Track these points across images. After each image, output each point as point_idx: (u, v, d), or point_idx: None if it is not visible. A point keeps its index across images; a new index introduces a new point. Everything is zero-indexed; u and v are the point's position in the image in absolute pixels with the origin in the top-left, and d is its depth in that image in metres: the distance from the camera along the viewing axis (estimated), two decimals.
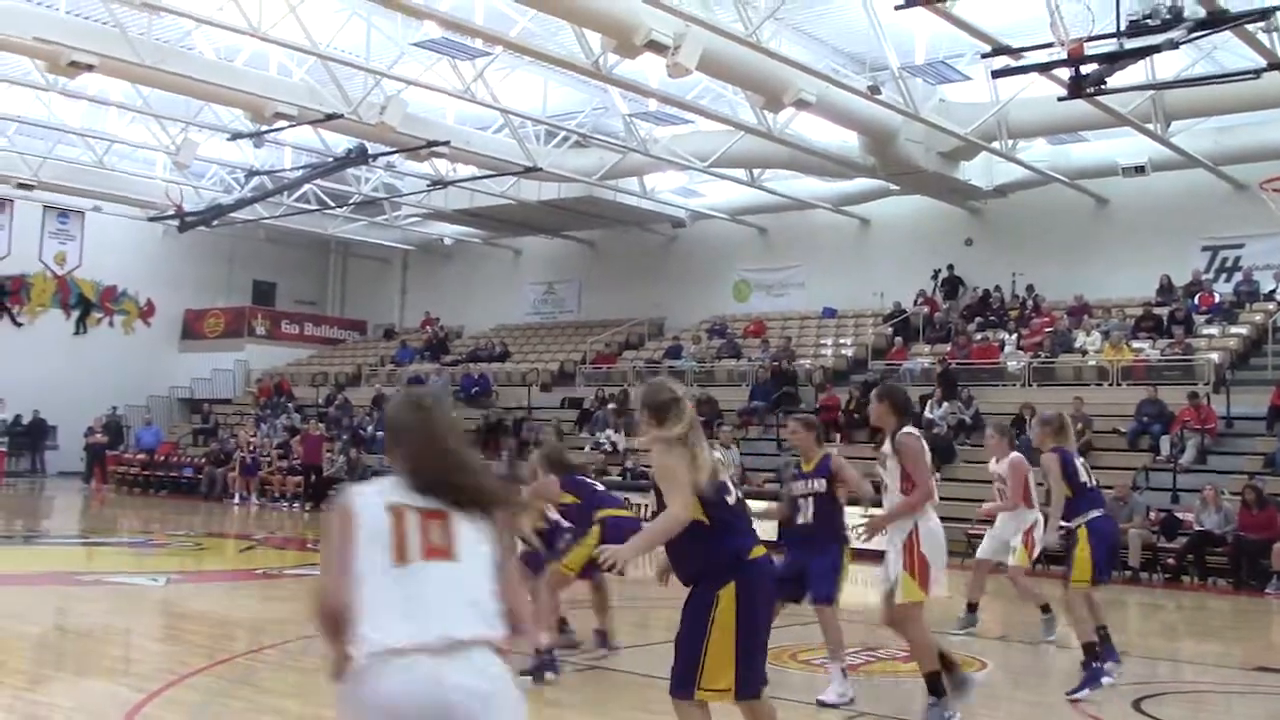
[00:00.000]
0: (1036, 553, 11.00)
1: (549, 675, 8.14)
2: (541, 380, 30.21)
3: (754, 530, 5.25)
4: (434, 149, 23.22)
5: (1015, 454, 11.19)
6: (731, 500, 5.17)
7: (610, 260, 33.29)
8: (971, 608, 11.06)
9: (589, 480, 9.47)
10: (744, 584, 4.96)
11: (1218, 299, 23.57)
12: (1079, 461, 8.94)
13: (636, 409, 5.40)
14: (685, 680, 4.97)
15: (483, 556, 3.30)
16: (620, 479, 23.28)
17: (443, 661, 3.09)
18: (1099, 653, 8.47)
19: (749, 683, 5.02)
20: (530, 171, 25.26)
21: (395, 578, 3.17)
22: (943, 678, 6.98)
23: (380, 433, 28.66)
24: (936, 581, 7.04)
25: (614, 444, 25.11)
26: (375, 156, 24.83)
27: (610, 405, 26.63)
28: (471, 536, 3.31)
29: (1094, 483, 8.99)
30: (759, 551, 5.12)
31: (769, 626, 5.19)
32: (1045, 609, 10.63)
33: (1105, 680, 8.36)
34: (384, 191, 30.31)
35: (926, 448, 7.22)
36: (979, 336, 25.05)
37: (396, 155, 24.67)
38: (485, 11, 18.54)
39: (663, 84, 19.87)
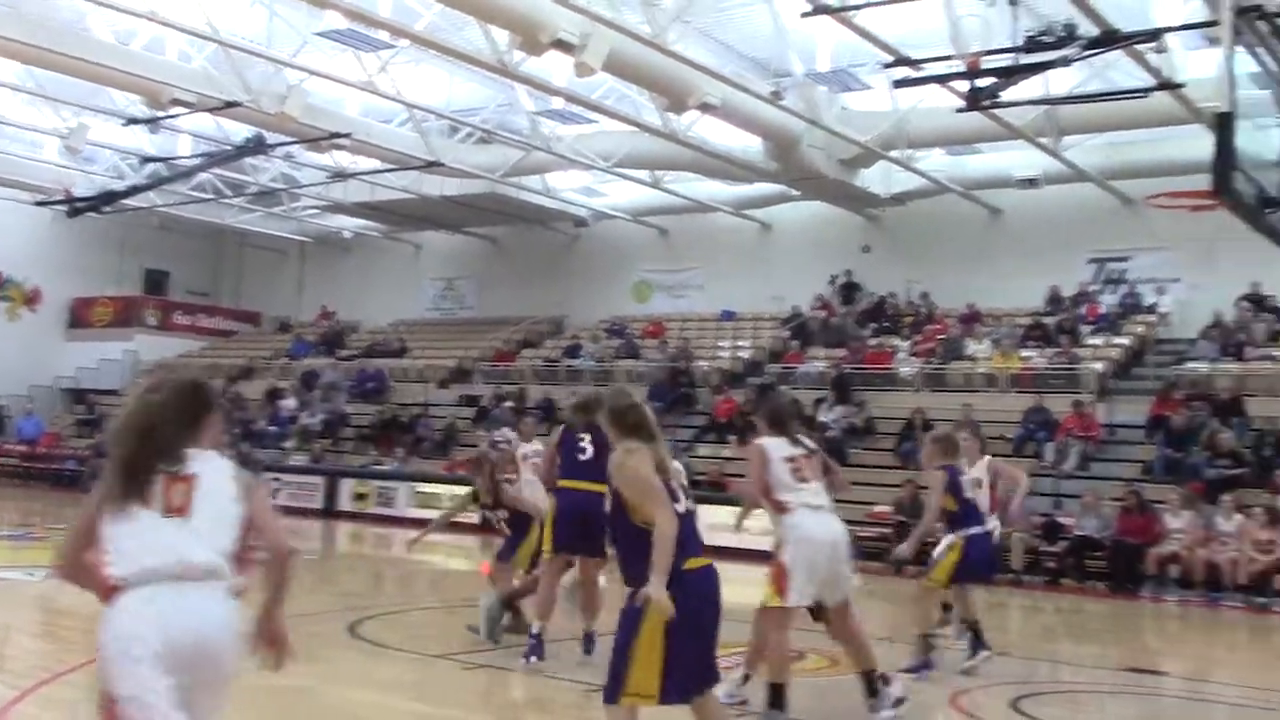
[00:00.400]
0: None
1: (533, 659, 8.44)
2: (439, 377, 29.99)
3: (696, 541, 5.23)
4: (335, 140, 22.94)
5: (991, 457, 11.46)
6: (679, 509, 5.16)
7: (511, 258, 33.16)
8: (946, 608, 11.19)
9: None
10: (675, 594, 4.95)
11: (1103, 310, 24.23)
12: (965, 478, 9.28)
13: (602, 419, 5.56)
14: (612, 685, 5.05)
15: (219, 512, 3.77)
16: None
17: (179, 594, 3.56)
18: (933, 647, 9.10)
19: (677, 690, 5.06)
20: (432, 166, 25.06)
21: (146, 527, 3.66)
22: (782, 692, 6.99)
23: (272, 426, 28.25)
24: (795, 590, 6.92)
25: (510, 442, 24.95)
26: (274, 146, 24.44)
27: (508, 403, 26.52)
28: (210, 495, 3.78)
29: (983, 498, 9.42)
30: (697, 562, 5.13)
31: (710, 634, 5.19)
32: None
33: (927, 673, 8.86)
34: (283, 182, 29.80)
35: (771, 457, 7.12)
36: (873, 342, 25.43)
37: (296, 146, 24.32)
38: (391, 4, 18.37)
39: (568, 83, 19.86)
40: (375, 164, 26.28)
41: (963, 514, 9.25)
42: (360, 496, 23.97)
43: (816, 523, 7.05)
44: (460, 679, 8.23)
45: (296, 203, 32.05)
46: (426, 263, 35.12)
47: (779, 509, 7.09)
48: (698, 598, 5.07)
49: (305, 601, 12.30)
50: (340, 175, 26.95)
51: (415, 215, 30.76)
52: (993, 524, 10.60)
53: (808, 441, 7.33)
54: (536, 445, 11.81)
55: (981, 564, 9.77)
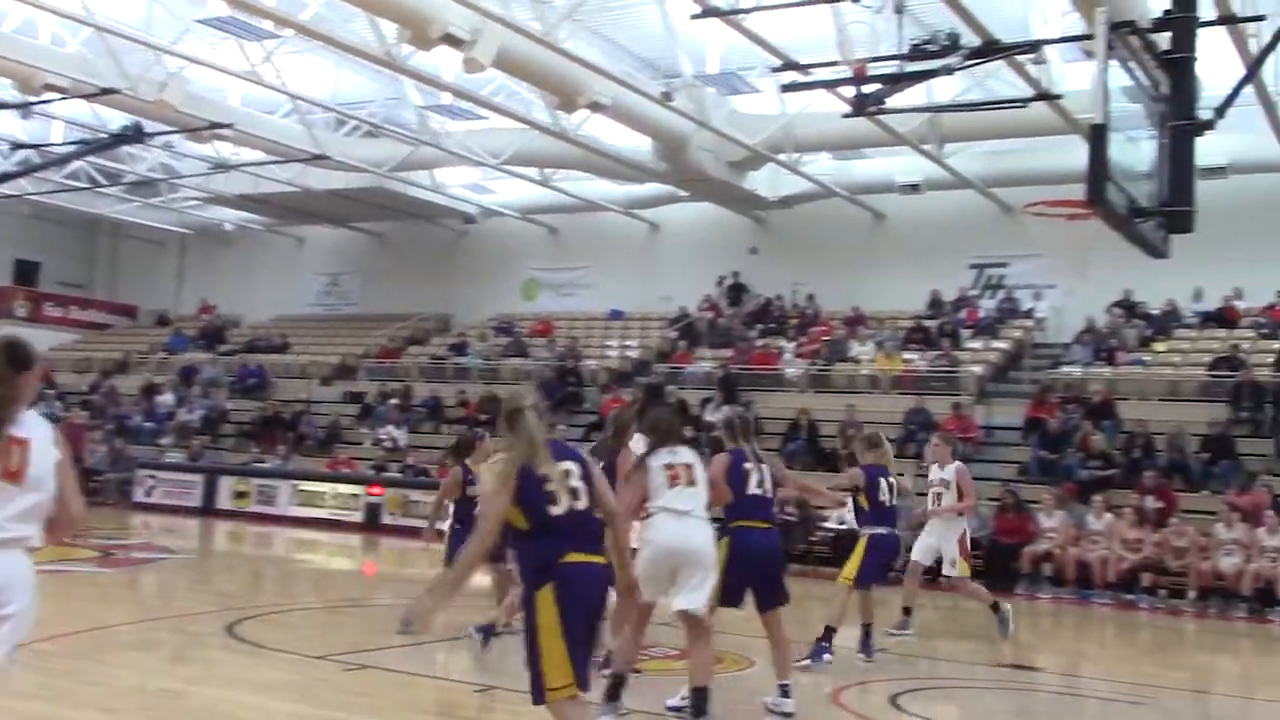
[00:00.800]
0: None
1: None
2: (322, 374, 29.54)
3: (582, 537, 5.29)
4: (216, 131, 22.41)
5: (960, 461, 11.93)
6: (557, 510, 5.23)
7: (398, 253, 32.79)
8: (906, 611, 11.49)
9: None
10: (557, 587, 5.10)
11: (982, 314, 24.80)
12: (885, 481, 9.68)
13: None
14: (535, 687, 5.12)
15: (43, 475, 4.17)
16: (400, 475, 23.00)
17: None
18: (831, 639, 9.58)
19: (583, 678, 5.15)
20: (318, 159, 24.63)
21: None
22: (621, 688, 7.16)
23: (149, 423, 27.54)
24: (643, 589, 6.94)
25: (395, 440, 24.73)
26: (153, 135, 23.76)
27: (393, 401, 26.23)
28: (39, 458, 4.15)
29: (892, 501, 9.80)
30: (577, 556, 5.20)
31: (590, 629, 5.31)
32: (995, 607, 11.36)
33: (826, 658, 9.44)
34: (161, 172, 29.04)
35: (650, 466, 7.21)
36: (760, 343, 25.68)
37: (176, 135, 23.70)
38: None
39: (458, 78, 19.70)
40: (259, 156, 25.79)
41: (875, 515, 9.71)
42: (240, 495, 23.48)
43: (670, 527, 7.10)
44: (342, 680, 8.11)
45: (176, 193, 31.26)
46: (310, 257, 34.55)
47: (645, 514, 7.26)
48: (577, 593, 5.18)
49: (182, 601, 12.05)
50: (222, 166, 26.35)
51: (300, 209, 30.23)
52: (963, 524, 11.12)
53: (685, 453, 7.30)
54: None
55: (882, 567, 10.19)
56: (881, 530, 9.92)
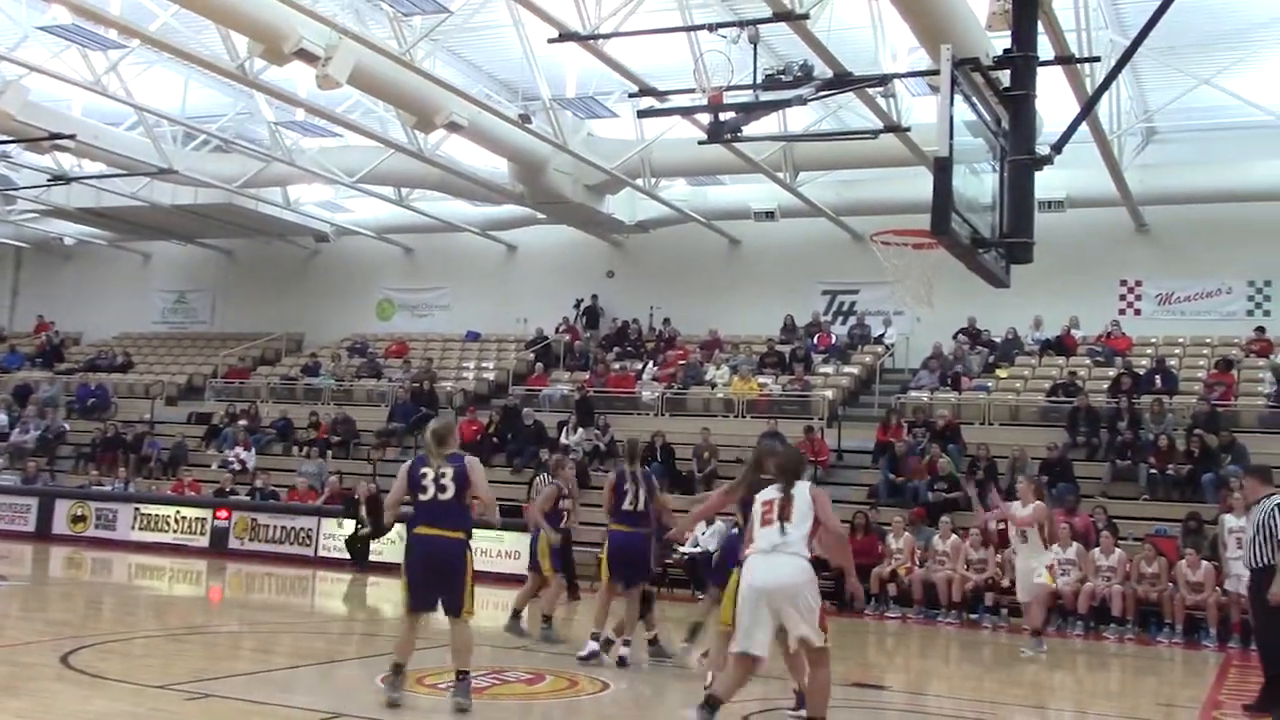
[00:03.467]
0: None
1: None
2: (166, 393, 28.68)
3: (428, 516, 8.07)
4: (57, 142, 21.64)
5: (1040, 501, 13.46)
6: (424, 496, 8.10)
7: (248, 271, 32.07)
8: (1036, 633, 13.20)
9: None
10: (406, 548, 8.19)
11: (834, 340, 25.33)
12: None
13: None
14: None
15: None
16: (248, 498, 22.45)
17: None
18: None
19: (415, 604, 8.18)
20: (164, 173, 23.99)
21: None
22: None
23: None
24: None
25: (243, 462, 24.12)
26: None
27: (241, 422, 25.60)
28: None
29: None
30: (422, 530, 8.11)
31: (416, 579, 8.13)
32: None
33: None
34: None
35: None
36: (617, 366, 25.79)
37: (14, 145, 22.83)
38: (121, 1, 17.48)
39: (312, 94, 19.40)
40: (102, 168, 24.95)
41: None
42: (78, 519, 22.62)
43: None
44: (184, 709, 7.86)
45: (12, 205, 30.03)
46: (156, 274, 33.55)
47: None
48: (411, 552, 8.17)
49: (14, 631, 11.54)
50: (62, 179, 25.41)
51: (145, 224, 29.34)
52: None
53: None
54: None
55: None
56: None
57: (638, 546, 10.69)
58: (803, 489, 7.41)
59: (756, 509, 7.45)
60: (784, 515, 7.26)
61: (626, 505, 10.60)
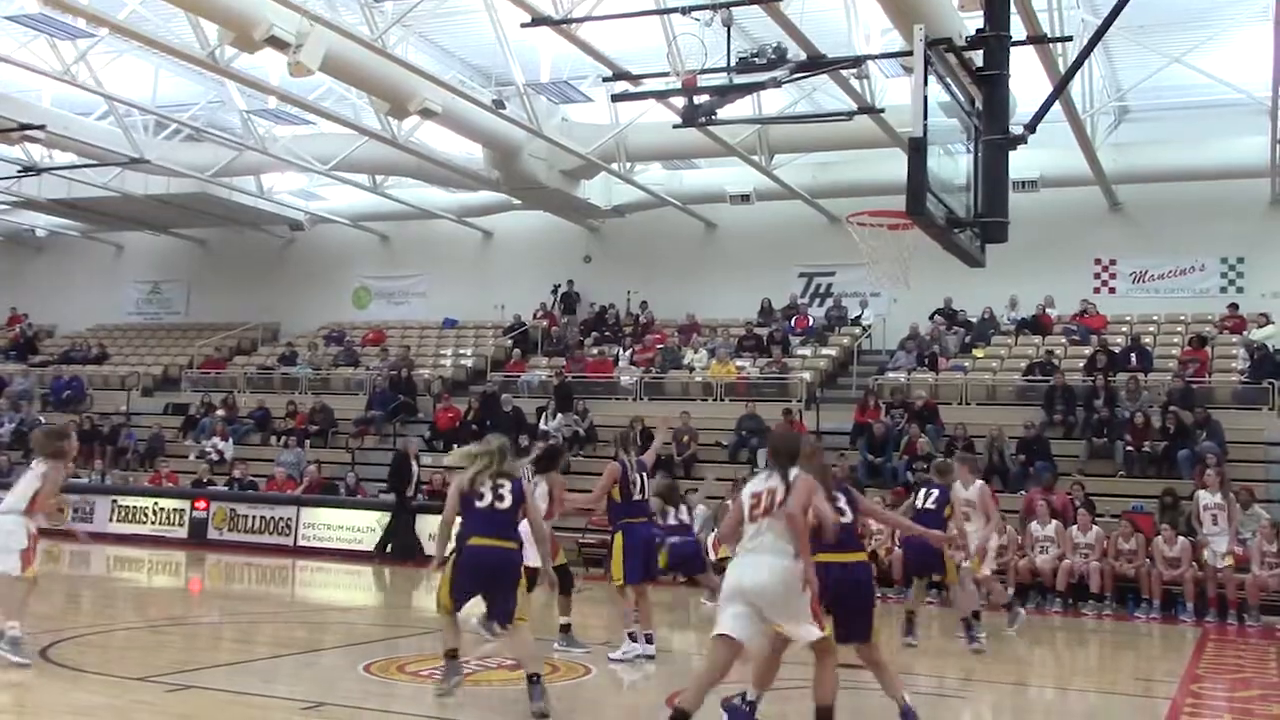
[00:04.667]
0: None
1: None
2: (143, 385, 28.53)
3: (483, 527, 7.72)
4: (27, 132, 21.44)
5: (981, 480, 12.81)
6: (480, 505, 7.78)
7: (222, 260, 31.89)
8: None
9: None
10: (458, 556, 7.78)
11: (811, 322, 25.38)
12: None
13: None
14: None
15: None
16: (228, 489, 22.38)
17: None
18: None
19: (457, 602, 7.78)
20: (136, 163, 23.81)
21: None
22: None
23: None
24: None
25: (220, 453, 24.03)
26: None
27: (219, 412, 25.49)
28: None
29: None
30: (476, 541, 7.70)
31: (465, 589, 7.75)
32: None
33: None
34: None
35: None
36: (595, 351, 25.77)
37: None
38: None
39: (284, 82, 19.28)
40: (72, 159, 24.75)
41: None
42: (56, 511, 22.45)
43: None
44: (165, 701, 7.84)
45: None
46: (130, 265, 33.35)
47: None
48: (464, 563, 7.71)
49: None
50: (32, 169, 25.19)
51: (117, 214, 29.14)
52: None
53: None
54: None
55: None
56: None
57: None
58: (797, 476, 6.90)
59: (745, 500, 6.90)
60: (769, 510, 6.76)
61: (637, 496, 10.23)
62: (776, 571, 6.67)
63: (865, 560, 7.64)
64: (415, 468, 20.21)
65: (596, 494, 10.53)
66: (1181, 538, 15.99)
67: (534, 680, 7.43)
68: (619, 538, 10.20)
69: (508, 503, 7.83)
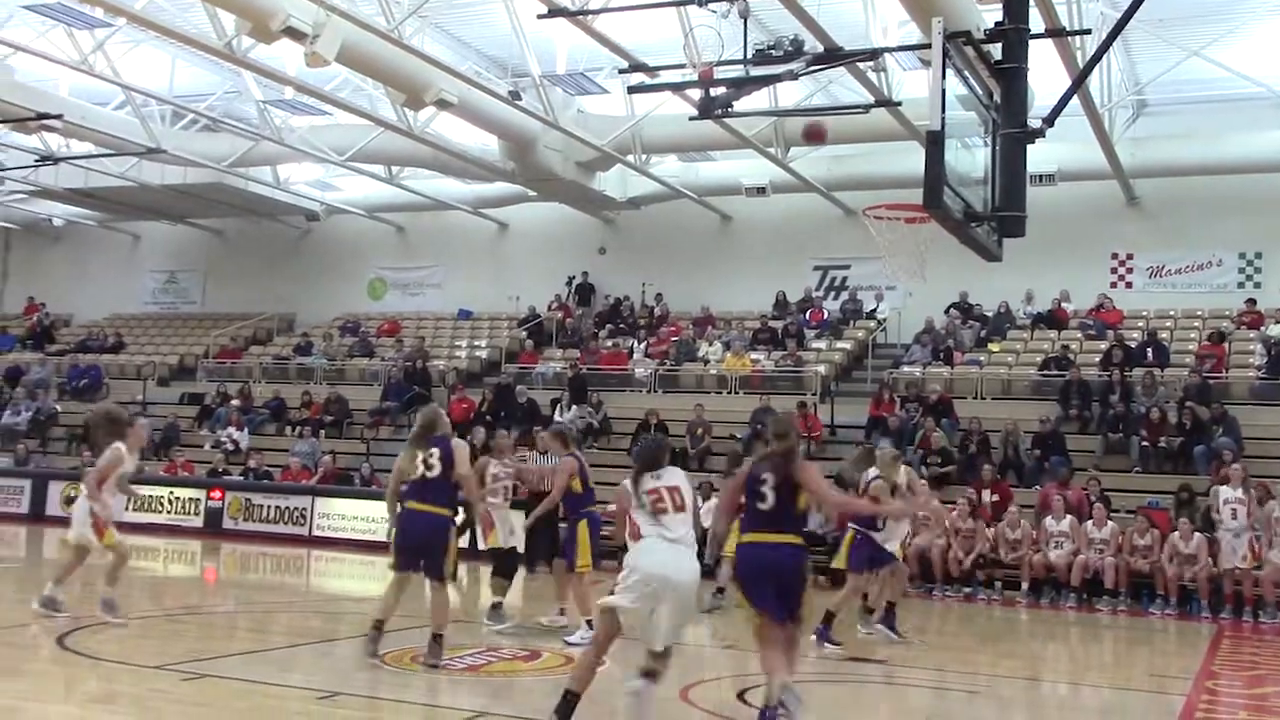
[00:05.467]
0: None
1: None
2: (159, 374, 28.64)
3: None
4: (44, 121, 21.51)
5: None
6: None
7: (239, 251, 31.96)
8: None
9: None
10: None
11: (826, 315, 25.33)
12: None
13: None
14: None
15: None
16: (242, 479, 22.45)
17: None
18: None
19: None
20: (153, 153, 23.86)
21: None
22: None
23: None
24: None
25: (236, 442, 24.10)
26: None
27: (234, 402, 25.57)
28: None
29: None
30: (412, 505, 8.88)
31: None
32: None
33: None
34: None
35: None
36: (609, 343, 25.78)
37: (1, 126, 22.68)
38: None
39: (300, 72, 19.29)
40: (90, 148, 24.81)
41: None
42: (71, 500, 22.54)
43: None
44: (181, 690, 7.87)
45: None
46: (146, 254, 33.45)
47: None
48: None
49: (9, 613, 11.52)
50: (50, 159, 25.27)
51: (134, 204, 29.21)
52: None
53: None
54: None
55: None
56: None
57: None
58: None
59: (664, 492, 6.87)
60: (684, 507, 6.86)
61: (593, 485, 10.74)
62: (695, 574, 6.86)
63: (794, 542, 7.07)
64: None
65: (555, 495, 10.91)
66: (1197, 534, 15.92)
67: (436, 639, 8.57)
68: (583, 526, 10.65)
69: (436, 470, 8.81)
